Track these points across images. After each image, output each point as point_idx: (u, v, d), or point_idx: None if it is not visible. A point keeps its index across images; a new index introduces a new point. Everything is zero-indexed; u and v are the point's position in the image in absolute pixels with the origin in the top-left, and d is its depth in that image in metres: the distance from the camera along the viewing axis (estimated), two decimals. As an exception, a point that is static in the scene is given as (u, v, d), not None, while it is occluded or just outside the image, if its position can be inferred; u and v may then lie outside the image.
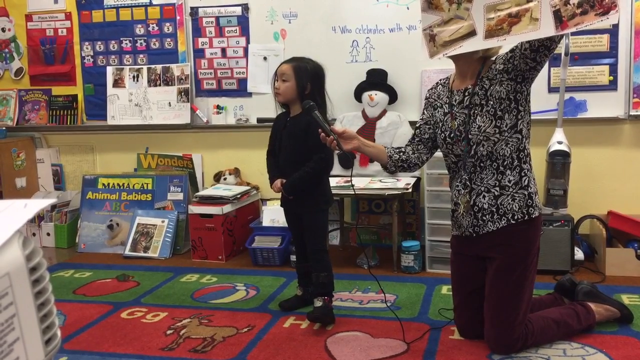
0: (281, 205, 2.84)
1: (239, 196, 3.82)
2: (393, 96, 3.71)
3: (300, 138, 2.62)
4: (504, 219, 2.17)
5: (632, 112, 3.44)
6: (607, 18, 1.84)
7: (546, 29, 1.90)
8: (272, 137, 2.81)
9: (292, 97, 2.65)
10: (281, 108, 2.78)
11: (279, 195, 2.80)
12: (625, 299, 2.76)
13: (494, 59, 2.20)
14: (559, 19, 1.88)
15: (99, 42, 4.27)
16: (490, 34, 1.98)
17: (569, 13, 1.87)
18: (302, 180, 2.63)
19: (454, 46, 2.06)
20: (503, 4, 1.97)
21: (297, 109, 2.66)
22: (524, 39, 1.96)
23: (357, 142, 2.27)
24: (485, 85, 2.16)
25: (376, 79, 3.71)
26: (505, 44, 2.03)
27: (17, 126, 4.50)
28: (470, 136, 2.17)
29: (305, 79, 2.61)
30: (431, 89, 2.40)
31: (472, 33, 2.01)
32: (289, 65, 2.64)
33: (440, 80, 2.39)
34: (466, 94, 2.20)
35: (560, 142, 3.27)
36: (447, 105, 2.27)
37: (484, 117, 2.14)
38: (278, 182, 2.69)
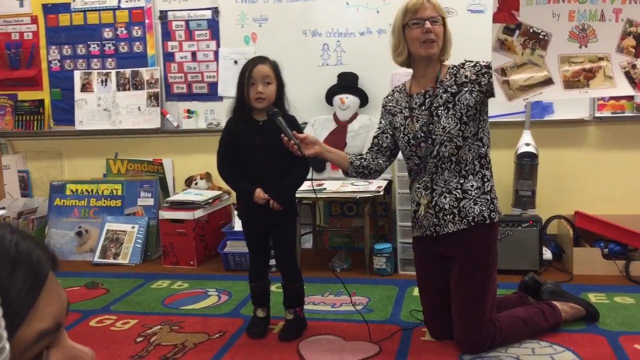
0: (241, 216, 2.58)
1: (210, 201, 3.79)
2: (364, 99, 3.72)
3: (282, 143, 2.28)
4: (465, 221, 2.21)
5: (597, 114, 3.52)
6: None
7: (624, 87, 1.99)
8: (233, 146, 2.49)
9: (273, 100, 2.42)
10: (230, 113, 2.51)
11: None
12: (592, 297, 2.81)
13: (446, 62, 2.28)
14: (632, 80, 1.96)
15: (66, 46, 4.20)
16: (568, 84, 2.04)
17: (638, 76, 1.95)
18: (293, 187, 2.49)
19: (533, 92, 2.08)
20: (577, 57, 2.02)
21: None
22: (604, 94, 2.08)
23: (318, 148, 2.30)
24: (451, 90, 2.21)
25: (347, 83, 3.72)
26: (587, 97, 2.11)
27: (-19, 132, 4.41)
28: (434, 136, 2.21)
29: (282, 78, 2.45)
30: (387, 96, 2.43)
31: (548, 81, 2.05)
32: (268, 66, 2.41)
33: (396, 87, 2.43)
34: (427, 96, 2.25)
35: (528, 144, 3.32)
36: (406, 110, 2.31)
37: (450, 119, 2.19)
38: (261, 193, 2.42)
